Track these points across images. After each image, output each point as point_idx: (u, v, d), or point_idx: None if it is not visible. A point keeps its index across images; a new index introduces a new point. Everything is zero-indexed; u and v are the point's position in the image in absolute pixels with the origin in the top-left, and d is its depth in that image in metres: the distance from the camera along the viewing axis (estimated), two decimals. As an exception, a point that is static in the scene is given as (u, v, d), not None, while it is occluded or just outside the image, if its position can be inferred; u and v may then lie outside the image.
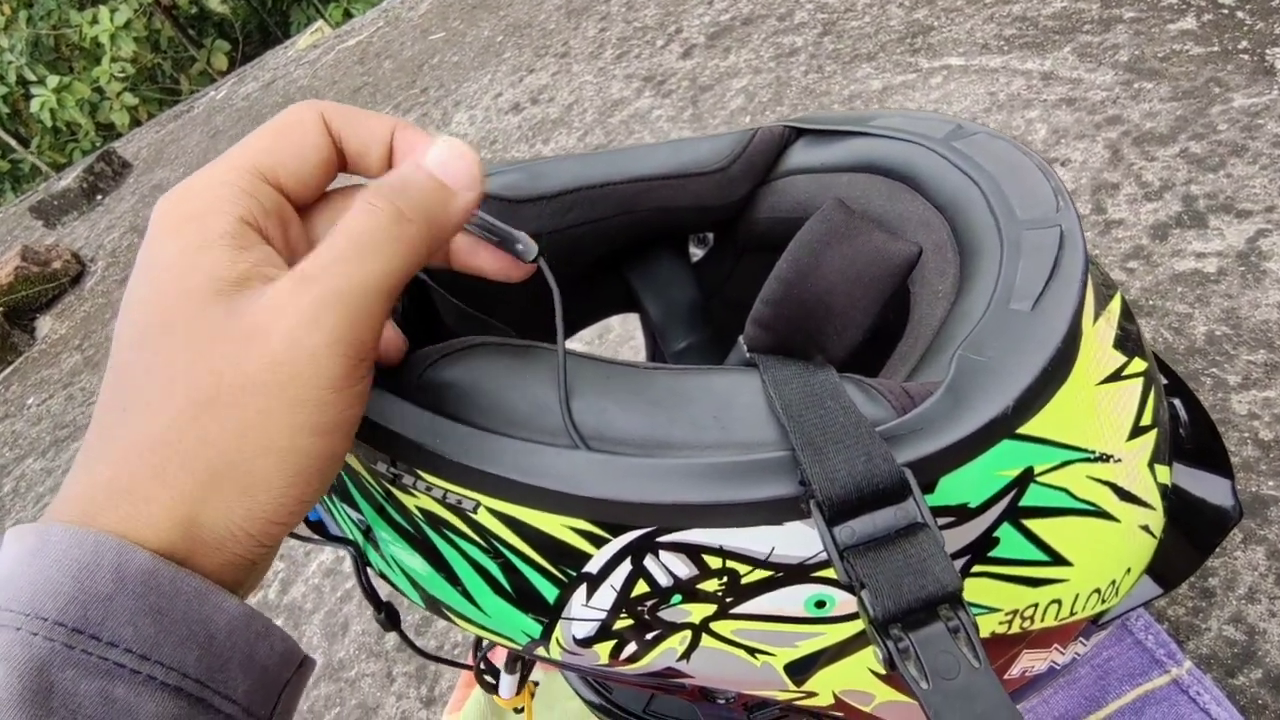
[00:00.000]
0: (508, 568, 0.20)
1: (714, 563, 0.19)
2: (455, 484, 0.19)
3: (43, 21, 5.67)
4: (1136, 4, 0.79)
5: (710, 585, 0.20)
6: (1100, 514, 0.21)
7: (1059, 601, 0.22)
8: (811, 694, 0.23)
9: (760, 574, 0.19)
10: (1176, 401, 0.32)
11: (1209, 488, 0.28)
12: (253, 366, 0.16)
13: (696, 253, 0.39)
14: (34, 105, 5.55)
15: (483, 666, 0.33)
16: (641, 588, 0.20)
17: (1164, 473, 0.25)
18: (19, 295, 1.47)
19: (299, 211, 0.20)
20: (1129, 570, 0.24)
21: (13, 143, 6.14)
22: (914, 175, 0.27)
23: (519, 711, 0.35)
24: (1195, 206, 0.60)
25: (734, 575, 0.19)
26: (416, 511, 0.21)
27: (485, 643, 0.33)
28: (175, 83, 6.22)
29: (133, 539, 0.16)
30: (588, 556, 0.19)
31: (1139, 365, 0.24)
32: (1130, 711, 0.42)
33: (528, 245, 0.21)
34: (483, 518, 0.20)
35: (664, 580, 0.20)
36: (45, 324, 1.52)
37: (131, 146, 2.26)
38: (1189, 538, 0.27)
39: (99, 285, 1.56)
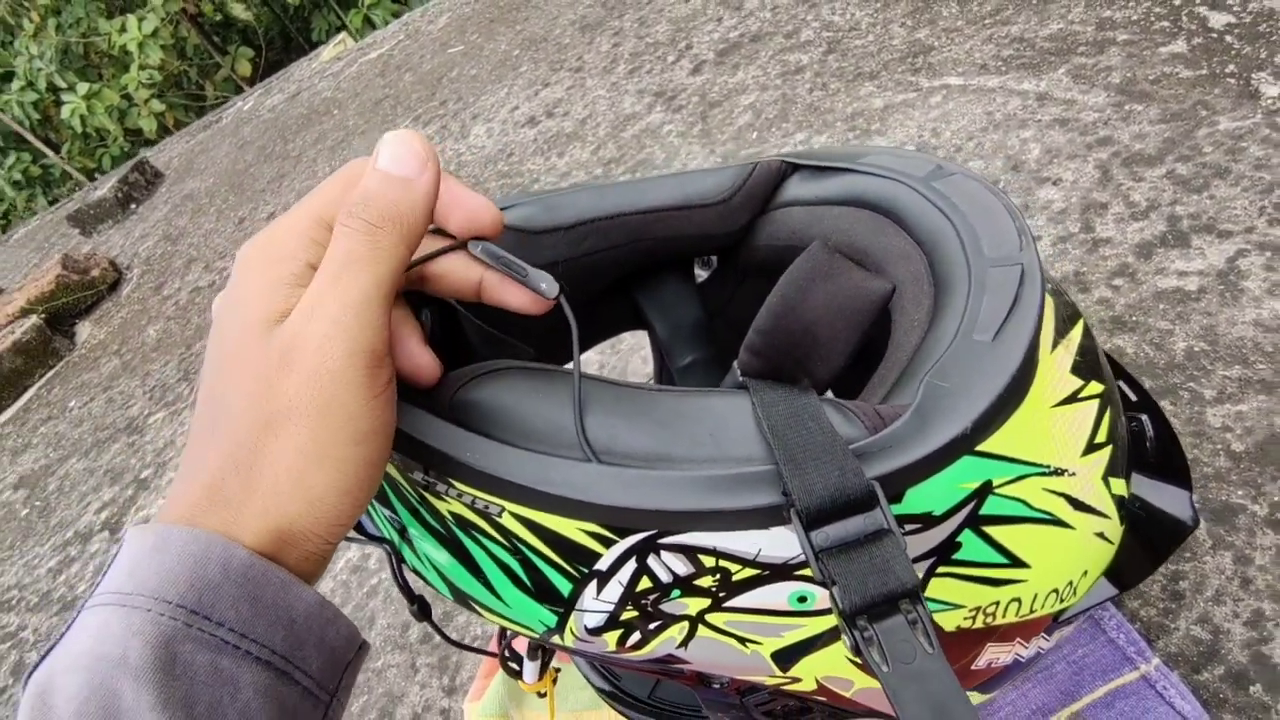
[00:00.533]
0: (527, 565, 0.23)
1: (708, 561, 0.22)
2: (483, 491, 0.22)
3: (72, 30, 5.81)
4: (1129, 27, 0.81)
5: (705, 581, 0.22)
6: (1056, 522, 0.24)
7: (1019, 600, 0.25)
8: (796, 679, 0.26)
9: (749, 572, 0.22)
10: (1144, 417, 0.34)
11: (1169, 499, 0.31)
12: (292, 390, 0.19)
13: (701, 274, 0.42)
14: (64, 112, 5.68)
15: (507, 654, 0.37)
16: (645, 583, 0.23)
17: (1119, 485, 0.27)
18: (60, 302, 1.53)
19: None
20: (1085, 573, 0.27)
21: (44, 149, 6.28)
22: (896, 211, 0.30)
23: (541, 696, 0.39)
24: (1179, 226, 0.63)
25: (726, 573, 0.22)
26: (448, 515, 0.24)
27: (509, 632, 0.36)
28: (201, 89, 6.34)
29: (232, 538, 0.19)
30: (598, 555, 0.22)
31: (1095, 388, 0.26)
32: (1102, 705, 0.46)
33: (550, 285, 0.24)
34: (506, 521, 0.22)
35: (665, 576, 0.22)
36: (85, 329, 1.58)
37: (163, 156, 2.33)
38: (1147, 545, 0.30)
39: (135, 292, 1.63)
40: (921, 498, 0.22)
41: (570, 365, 0.24)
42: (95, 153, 6.34)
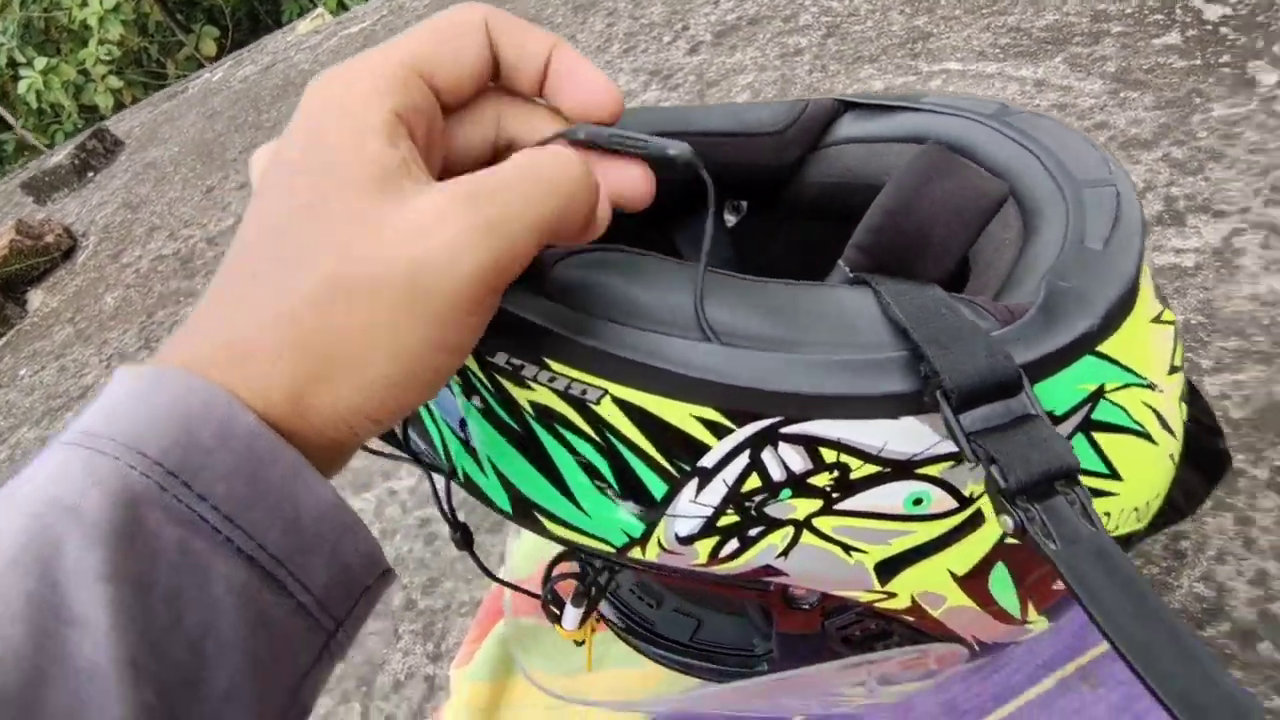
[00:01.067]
0: (618, 463, 0.21)
1: (829, 456, 0.21)
2: (585, 372, 0.20)
3: (35, 4, 5.59)
4: (1123, 19, 0.83)
5: (821, 480, 0.21)
6: (1146, 436, 0.24)
7: (1108, 514, 0.25)
8: (891, 595, 0.25)
9: (870, 469, 0.21)
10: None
11: (1205, 438, 0.32)
12: (398, 266, 0.16)
13: (730, 219, 0.42)
14: (21, 87, 5.46)
15: (550, 597, 0.35)
16: (753, 482, 0.21)
17: (1185, 410, 0.28)
18: (12, 269, 1.46)
19: (444, 113, 0.20)
20: (1158, 494, 0.27)
21: (11, 120, 6.03)
22: (970, 146, 0.29)
23: (579, 644, 0.37)
24: (1175, 206, 0.64)
25: (845, 469, 0.21)
26: (527, 405, 0.22)
27: (555, 572, 0.35)
28: (162, 66, 6.15)
29: (243, 401, 0.15)
30: (706, 449, 0.21)
31: (1170, 315, 0.27)
32: (1108, 658, 0.46)
33: (679, 147, 0.21)
34: (604, 409, 0.21)
35: (777, 474, 0.21)
36: (37, 297, 1.51)
37: (124, 125, 2.24)
38: (1200, 472, 0.31)
39: (91, 260, 1.56)
40: (1047, 394, 0.21)
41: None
42: (49, 129, 6.10)
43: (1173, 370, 0.26)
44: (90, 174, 1.92)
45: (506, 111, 0.22)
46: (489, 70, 0.20)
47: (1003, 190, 0.27)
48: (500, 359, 0.21)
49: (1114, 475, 0.24)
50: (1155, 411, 0.24)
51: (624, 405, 0.20)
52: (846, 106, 0.35)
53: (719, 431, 0.20)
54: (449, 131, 0.21)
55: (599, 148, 0.21)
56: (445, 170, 0.21)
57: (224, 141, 1.76)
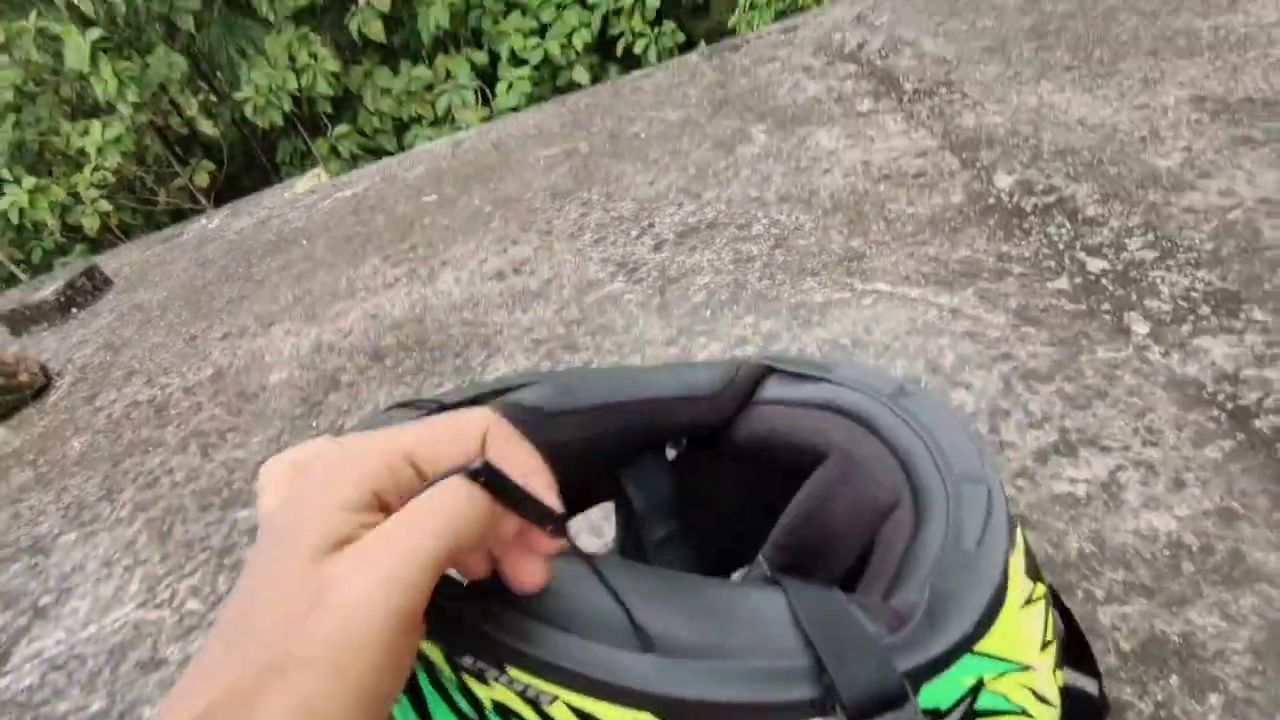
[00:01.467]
0: None
1: None
2: (539, 678, 0.23)
3: (30, 128, 5.83)
4: (1022, 261, 0.97)
5: None
6: (1024, 714, 0.26)
7: None
8: None
9: None
10: (1054, 612, 0.38)
11: (1084, 686, 0.36)
12: (318, 635, 0.17)
13: (671, 453, 0.47)
14: (2, 203, 5.58)
15: None
16: None
17: (1061, 677, 0.31)
18: (-24, 404, 1.47)
19: None
20: None
21: None
22: (871, 421, 0.34)
23: None
24: (1069, 438, 0.74)
25: None
26: (488, 703, 0.25)
27: None
28: (154, 194, 6.36)
29: None
30: None
31: (1041, 589, 0.29)
32: None
33: (560, 514, 0.23)
34: (556, 710, 0.23)
35: None
36: (0, 435, 1.50)
37: (115, 263, 2.32)
38: None
39: (63, 400, 1.57)
40: (933, 694, 0.24)
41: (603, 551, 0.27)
42: (25, 244, 6.17)
43: (1045, 645, 0.28)
44: (74, 310, 1.96)
45: None
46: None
47: (894, 498, 0.32)
48: (467, 661, 0.24)
49: None
50: (1031, 690, 0.27)
51: (574, 710, 0.23)
52: (771, 370, 0.42)
53: None
54: None
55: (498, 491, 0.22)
56: None
57: (212, 291, 1.83)
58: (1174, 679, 0.55)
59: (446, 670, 0.26)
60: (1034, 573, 0.30)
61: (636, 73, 2.24)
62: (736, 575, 0.39)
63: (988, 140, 1.25)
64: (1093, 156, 1.12)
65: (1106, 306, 0.86)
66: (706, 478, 0.48)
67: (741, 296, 1.11)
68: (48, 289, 1.91)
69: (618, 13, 4.87)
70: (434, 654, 0.25)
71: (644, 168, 1.62)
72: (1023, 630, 0.27)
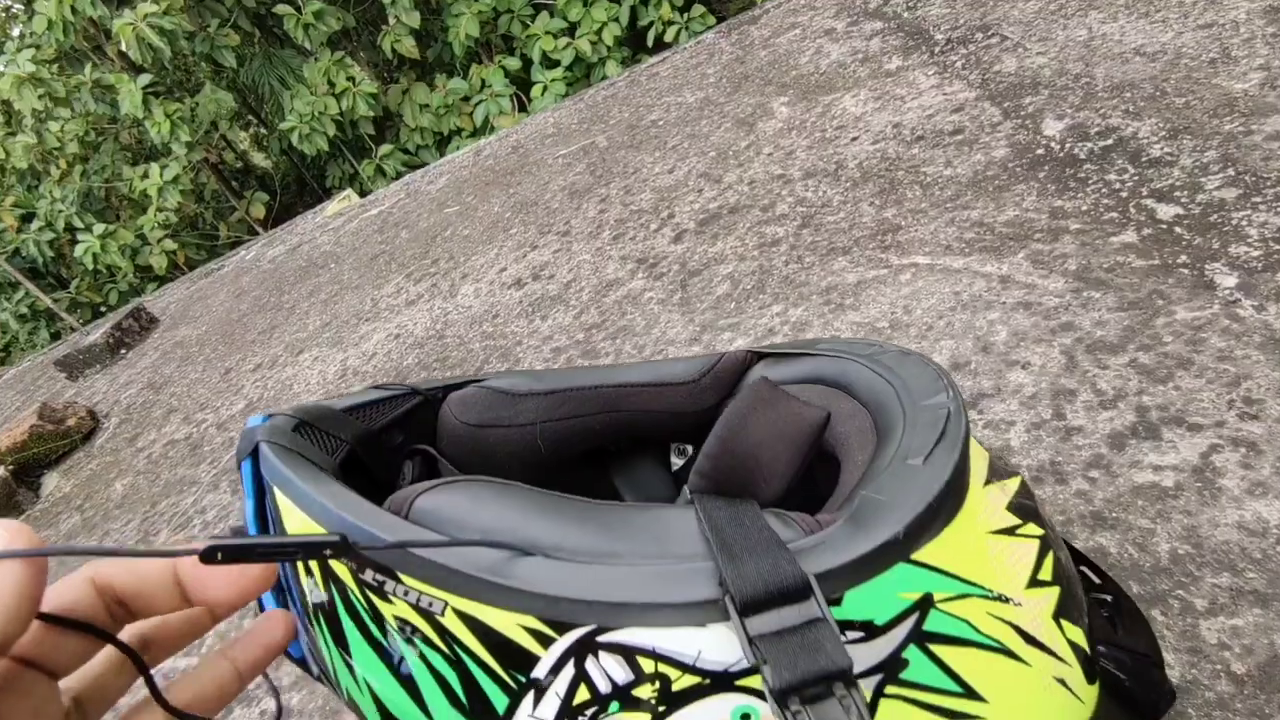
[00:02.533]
0: (465, 676, 0.24)
1: (648, 666, 0.22)
2: (428, 584, 0.23)
3: (96, 176, 6.15)
4: (1080, 217, 0.85)
5: (644, 691, 0.22)
6: (1007, 653, 0.24)
7: None
8: None
9: (689, 680, 0.22)
10: (1107, 597, 0.36)
11: (1141, 670, 0.31)
12: None
13: (676, 462, 0.45)
14: (78, 250, 5.91)
15: None
16: (583, 694, 0.22)
17: (1075, 632, 0.27)
18: (30, 453, 1.51)
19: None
20: None
21: (39, 294, 6.46)
22: (846, 382, 0.34)
23: None
24: (1149, 418, 0.63)
25: (666, 680, 0.22)
26: (393, 621, 0.25)
27: None
28: (214, 229, 6.64)
29: None
30: (536, 658, 0.22)
31: (1034, 529, 0.28)
32: None
33: (328, 540, 0.23)
34: (448, 620, 0.23)
35: (603, 686, 0.22)
36: (51, 481, 1.54)
37: (161, 302, 2.38)
38: (1128, 713, 0.30)
39: (109, 443, 1.60)
40: (861, 602, 0.22)
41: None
42: (103, 288, 6.53)
43: (1036, 584, 0.26)
44: (123, 351, 2.02)
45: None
46: (98, 613, 0.20)
47: (820, 416, 0.31)
48: (368, 575, 0.24)
49: (971, 694, 0.23)
50: (1014, 626, 0.24)
51: (463, 616, 0.23)
52: (759, 356, 0.40)
53: (544, 640, 0.22)
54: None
55: (240, 559, 0.21)
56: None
57: (246, 323, 1.85)
58: (1305, 711, 0.45)
59: (355, 589, 0.25)
60: (1028, 515, 0.28)
61: (652, 58, 2.16)
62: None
63: (1032, 84, 1.13)
64: (1154, 88, 0.99)
65: (1183, 259, 0.75)
66: None
67: (768, 284, 1.03)
68: (96, 332, 1.97)
69: (645, 2, 4.79)
70: (343, 573, 0.26)
71: (662, 156, 1.55)
72: (992, 555, 0.25)
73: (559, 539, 0.24)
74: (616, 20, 4.83)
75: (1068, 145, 0.98)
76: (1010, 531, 0.26)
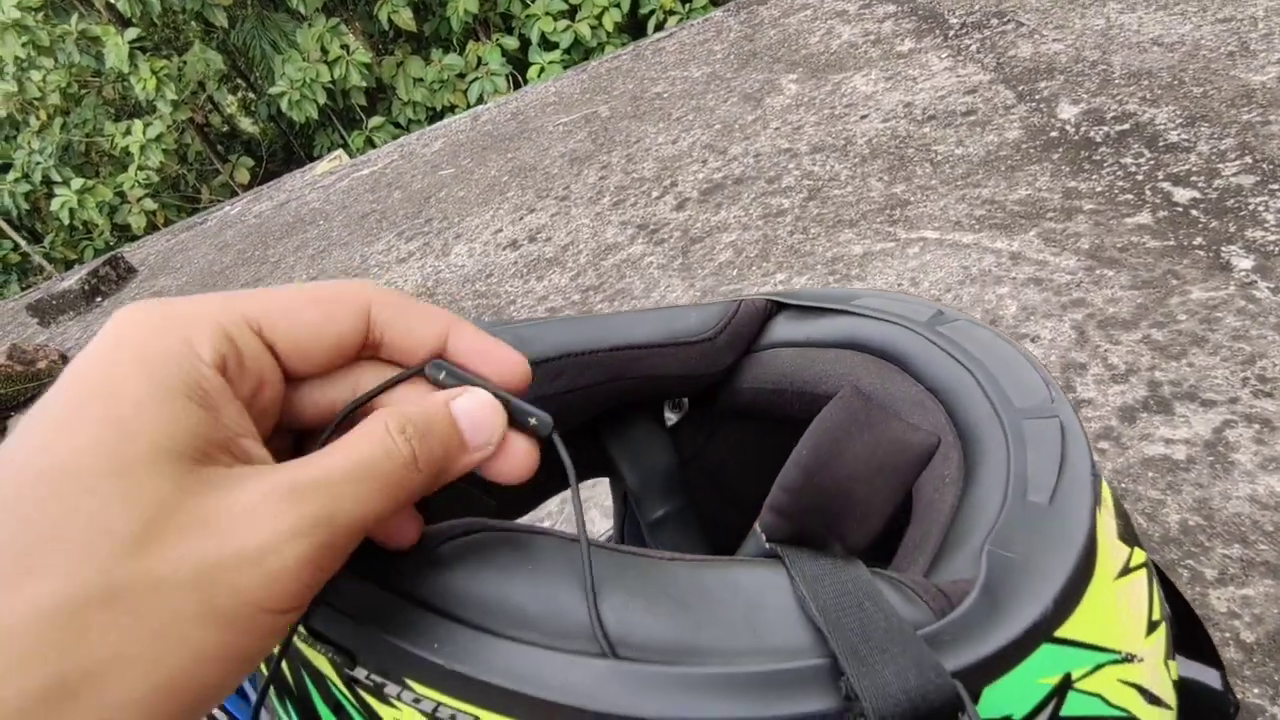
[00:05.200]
0: None
1: None
2: (451, 696, 0.17)
3: (77, 130, 6.00)
4: (1095, 197, 0.84)
5: None
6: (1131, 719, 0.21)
7: None
8: None
9: None
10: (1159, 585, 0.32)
11: (1204, 679, 0.28)
12: (190, 563, 0.13)
13: (671, 417, 0.39)
14: (54, 204, 5.76)
15: None
16: None
17: (1174, 668, 0.24)
18: (-2, 393, 1.46)
19: (289, 377, 0.18)
20: None
21: (20, 241, 6.31)
22: (902, 356, 0.27)
23: None
24: (1161, 392, 0.62)
25: None
26: None
27: None
28: (197, 192, 6.50)
29: None
30: None
31: (1140, 555, 0.23)
32: None
33: (542, 421, 0.19)
34: None
35: None
36: (18, 423, 1.49)
37: (141, 253, 2.32)
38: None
39: (80, 388, 1.56)
40: (1000, 698, 0.18)
41: (556, 526, 0.20)
42: (79, 245, 6.38)
43: (1152, 628, 0.22)
44: (99, 299, 1.96)
45: (366, 377, 0.19)
46: (355, 347, 0.18)
47: (930, 444, 0.25)
48: (360, 673, 0.18)
49: None
50: (1139, 688, 0.21)
51: None
52: (779, 307, 0.33)
53: None
54: (299, 394, 0.18)
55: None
56: (280, 429, 0.19)
57: (229, 275, 1.80)
58: (1315, 680, 0.44)
59: (339, 685, 0.19)
60: (1129, 536, 0.23)
61: (659, 33, 2.13)
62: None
63: (1048, 69, 1.12)
64: (1172, 77, 0.98)
65: (1199, 240, 0.74)
66: (711, 443, 0.39)
67: (772, 253, 1.01)
68: (72, 279, 1.91)
69: (647, -11, 4.74)
70: (321, 663, 0.19)
71: (666, 127, 1.52)
72: (1120, 609, 0.21)
73: (626, 628, 0.18)
74: (618, 5, 4.78)
75: (1083, 129, 0.97)
76: (1127, 569, 0.22)
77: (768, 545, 0.22)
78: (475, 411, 0.18)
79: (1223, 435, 0.57)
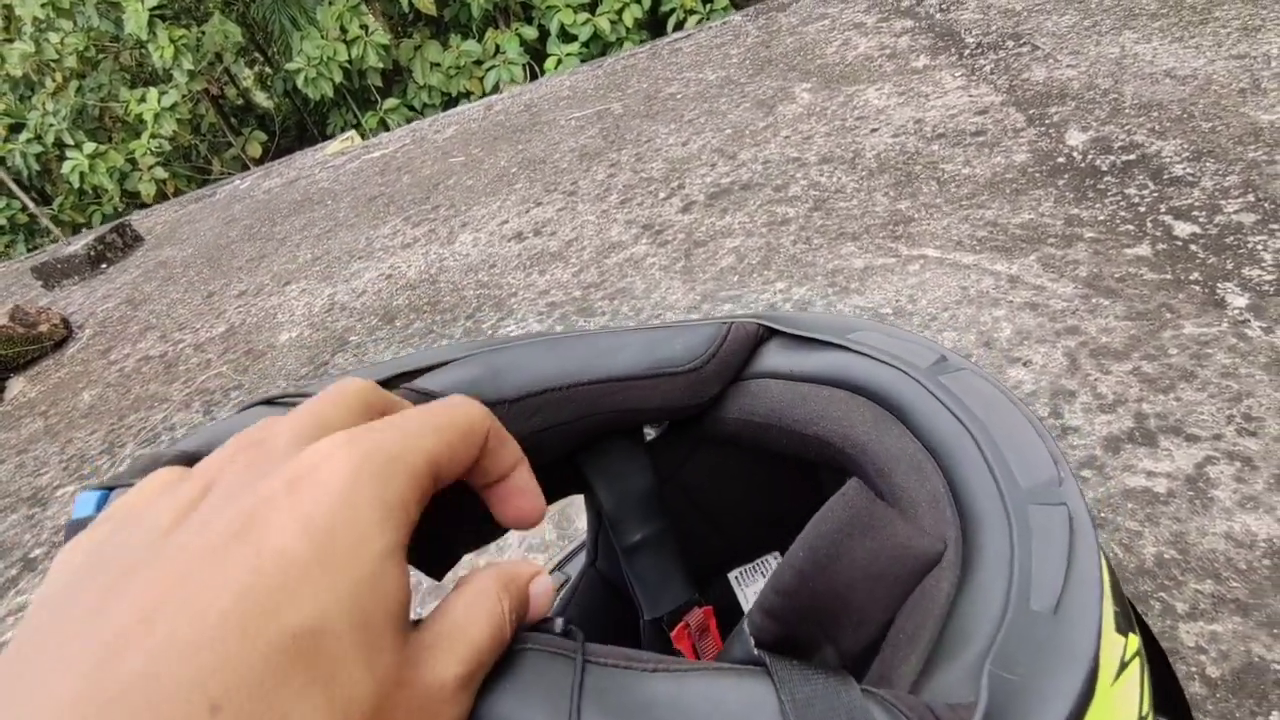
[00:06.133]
0: None
1: None
2: None
3: (92, 94, 6.00)
4: (1096, 225, 0.85)
5: None
6: None
7: None
8: None
9: None
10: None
11: None
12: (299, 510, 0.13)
13: (650, 433, 0.38)
14: (65, 167, 5.76)
15: None
16: None
17: None
18: (-2, 354, 1.46)
19: None
20: None
21: (29, 202, 6.32)
22: (900, 407, 0.26)
23: None
24: (1147, 424, 0.62)
25: None
26: None
27: None
28: (208, 163, 6.50)
29: None
30: None
31: (1134, 642, 0.22)
32: None
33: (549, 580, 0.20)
34: None
35: None
36: (17, 385, 1.50)
37: (148, 221, 2.33)
38: None
39: (80, 353, 1.56)
40: None
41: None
42: (87, 209, 6.38)
43: None
44: (104, 265, 1.96)
45: None
46: None
47: (935, 551, 0.23)
48: None
49: None
50: None
51: None
52: (771, 333, 0.32)
53: None
54: None
55: None
56: None
57: (234, 249, 1.81)
58: (1276, 716, 0.45)
59: None
60: (1127, 619, 0.21)
61: (677, 33, 2.13)
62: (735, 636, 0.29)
63: (1059, 95, 1.12)
64: (1182, 110, 0.99)
65: (1196, 276, 0.74)
66: (691, 461, 0.38)
67: (773, 261, 1.01)
68: (78, 244, 1.91)
69: (668, -13, 4.74)
70: None
71: (677, 128, 1.53)
72: (1115, 715, 0.19)
73: None
74: (639, 2, 4.78)
75: (1090, 157, 0.97)
76: (1123, 665, 0.21)
77: (755, 651, 0.22)
78: (540, 597, 0.19)
79: (1204, 471, 0.58)
